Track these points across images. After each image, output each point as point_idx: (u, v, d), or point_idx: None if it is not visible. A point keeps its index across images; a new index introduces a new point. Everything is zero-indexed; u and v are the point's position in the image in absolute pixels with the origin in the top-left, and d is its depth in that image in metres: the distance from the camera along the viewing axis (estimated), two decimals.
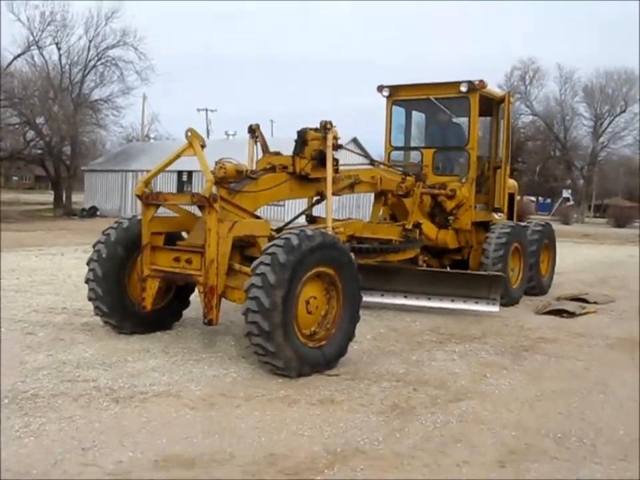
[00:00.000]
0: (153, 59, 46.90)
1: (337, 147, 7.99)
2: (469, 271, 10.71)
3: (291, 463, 4.43)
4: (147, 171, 7.10)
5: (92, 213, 39.63)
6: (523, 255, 11.36)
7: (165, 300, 7.95)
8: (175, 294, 8.01)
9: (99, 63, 42.48)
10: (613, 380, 6.77)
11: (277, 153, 8.17)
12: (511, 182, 12.77)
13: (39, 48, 40.84)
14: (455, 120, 11.49)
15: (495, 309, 9.58)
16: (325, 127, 7.78)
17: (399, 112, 11.80)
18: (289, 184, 7.88)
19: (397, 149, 11.90)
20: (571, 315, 10.21)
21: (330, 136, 7.75)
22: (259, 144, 8.58)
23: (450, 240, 10.91)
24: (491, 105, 11.25)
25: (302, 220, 9.35)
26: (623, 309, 11.18)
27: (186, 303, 8.25)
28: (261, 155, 8.40)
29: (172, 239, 7.45)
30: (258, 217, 7.38)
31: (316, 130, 7.92)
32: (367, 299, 9.42)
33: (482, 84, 10.48)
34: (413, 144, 12.29)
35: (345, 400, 5.74)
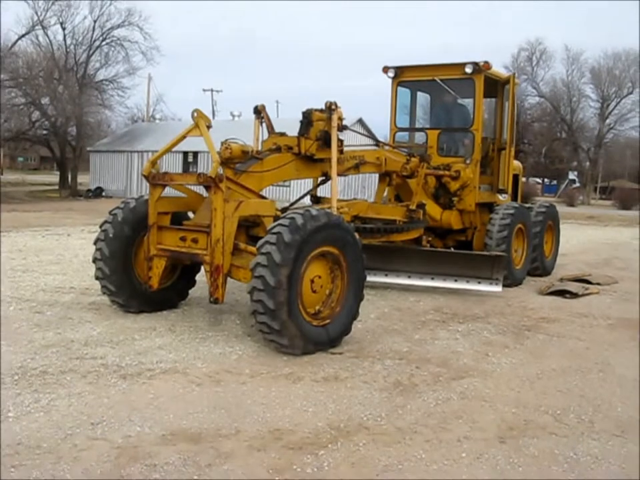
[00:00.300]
0: (157, 39, 47.08)
1: (341, 127, 8.03)
2: (471, 251, 10.76)
3: (296, 437, 4.53)
4: (153, 152, 7.17)
5: (97, 193, 39.78)
6: (527, 236, 11.41)
7: (171, 279, 8.06)
8: (181, 273, 8.11)
9: (103, 43, 42.57)
10: (613, 359, 6.85)
11: (283, 134, 8.21)
12: (516, 163, 12.79)
13: (44, 28, 40.88)
14: (460, 101, 11.50)
15: (497, 288, 9.66)
16: (330, 108, 7.81)
17: (404, 93, 11.80)
18: (294, 164, 7.93)
19: (401, 129, 11.93)
20: (574, 295, 10.28)
21: (335, 117, 7.79)
22: (264, 124, 8.63)
23: (454, 221, 10.96)
24: (496, 86, 11.25)
25: (307, 200, 9.42)
26: (625, 290, 11.24)
27: (192, 282, 8.34)
28: (266, 135, 8.44)
29: (178, 219, 7.53)
30: (263, 197, 7.45)
31: (321, 111, 7.95)
32: (371, 278, 9.52)
33: (487, 65, 10.47)
34: (418, 125, 12.30)
35: (348, 377, 5.84)
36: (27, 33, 40.58)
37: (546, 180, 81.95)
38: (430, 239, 10.47)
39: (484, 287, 9.69)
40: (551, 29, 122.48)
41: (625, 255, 16.98)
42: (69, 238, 15.90)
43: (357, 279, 6.89)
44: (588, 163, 65.88)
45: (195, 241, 6.98)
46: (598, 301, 10.14)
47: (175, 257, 7.27)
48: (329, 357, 6.42)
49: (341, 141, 8.16)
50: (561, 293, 10.38)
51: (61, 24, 41.25)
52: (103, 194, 39.78)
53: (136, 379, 5.58)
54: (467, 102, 11.35)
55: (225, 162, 7.12)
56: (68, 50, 41.93)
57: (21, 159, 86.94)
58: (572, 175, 75.55)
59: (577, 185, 70.41)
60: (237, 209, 6.74)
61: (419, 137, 11.93)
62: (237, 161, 7.23)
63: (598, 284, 11.53)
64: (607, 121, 64.62)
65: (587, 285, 11.16)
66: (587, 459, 4.42)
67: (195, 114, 6.92)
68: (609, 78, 63.28)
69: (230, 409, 4.99)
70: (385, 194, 11.00)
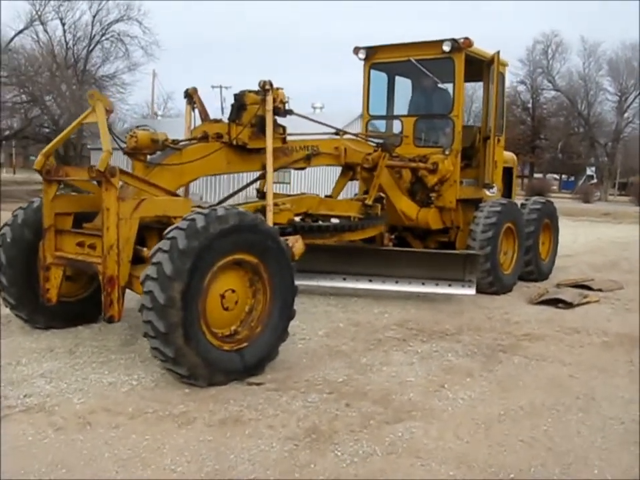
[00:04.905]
0: (158, 33, 46.06)
1: (284, 112, 6.82)
2: (441, 250, 9.47)
3: None
4: None
5: None
6: (518, 237, 10.08)
7: (88, 290, 6.93)
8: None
9: (103, 38, 41.53)
10: (601, 392, 5.54)
11: (218, 121, 7.03)
12: (509, 155, 11.49)
13: (42, 23, 39.81)
14: (440, 85, 10.19)
15: (470, 291, 8.44)
16: (264, 88, 6.58)
17: (379, 76, 10.52)
18: (225, 155, 6.73)
19: (374, 117, 10.66)
20: (568, 305, 8.98)
21: (269, 98, 6.55)
22: (197, 110, 7.44)
23: (432, 219, 9.62)
24: (480, 67, 9.92)
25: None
26: (629, 297, 9.89)
27: None
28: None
29: (85, 221, 6.35)
30: (175, 195, 6.23)
31: (257, 92, 6.73)
32: (327, 283, 8.64)
33: (467, 42, 9.14)
34: (397, 112, 10.98)
35: (253, 419, 4.62)
36: (24, 29, 39.55)
37: (564, 176, 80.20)
38: (392, 237, 9.19)
39: (455, 290, 8.46)
40: (567, 21, 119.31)
41: (634, 255, 15.53)
42: None
43: (284, 292, 5.65)
44: (606, 158, 64.11)
45: (92, 247, 5.81)
46: (596, 311, 8.83)
47: (73, 265, 6.10)
48: (242, 390, 5.20)
49: (282, 128, 6.96)
50: (554, 302, 9.08)
51: (60, 19, 40.29)
52: None
53: None
54: (450, 86, 10.05)
55: (131, 153, 5.96)
56: (68, 46, 41.01)
57: (33, 157, 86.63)
58: (590, 171, 73.70)
59: (595, 181, 68.59)
60: (136, 209, 5.52)
61: (398, 126, 10.61)
62: (146, 151, 6.05)
63: (599, 290, 10.24)
64: (625, 115, 62.85)
65: (586, 292, 9.85)
66: None
67: (93, 96, 5.76)
68: (627, 70, 61.37)
69: (75, 468, 3.81)
70: (358, 190, 9.82)
